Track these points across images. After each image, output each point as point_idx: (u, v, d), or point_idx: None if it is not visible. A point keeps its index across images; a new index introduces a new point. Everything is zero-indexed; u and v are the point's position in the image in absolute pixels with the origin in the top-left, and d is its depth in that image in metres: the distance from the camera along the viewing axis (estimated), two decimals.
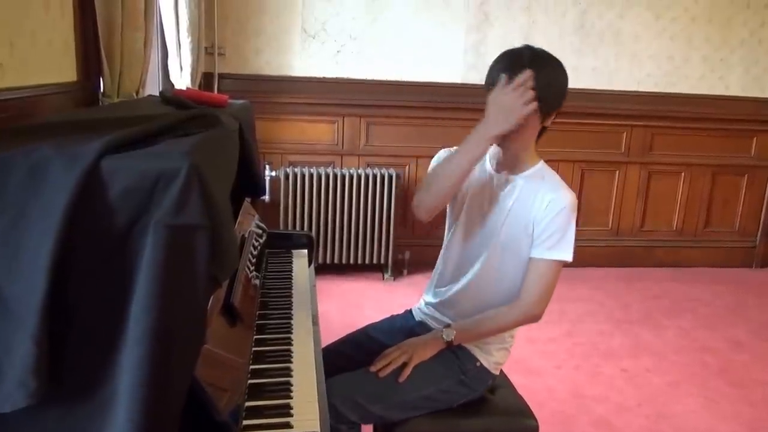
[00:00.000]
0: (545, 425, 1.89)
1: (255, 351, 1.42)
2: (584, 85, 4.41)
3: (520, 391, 1.91)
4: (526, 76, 1.55)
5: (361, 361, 1.76)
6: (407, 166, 4.36)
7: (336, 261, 4.21)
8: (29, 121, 1.35)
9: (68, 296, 0.86)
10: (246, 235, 1.68)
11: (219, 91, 3.98)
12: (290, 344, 1.48)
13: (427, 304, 1.93)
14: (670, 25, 4.49)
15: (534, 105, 1.56)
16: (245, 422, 1.16)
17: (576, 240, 1.69)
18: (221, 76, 4.07)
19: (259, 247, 1.84)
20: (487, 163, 1.79)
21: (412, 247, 4.34)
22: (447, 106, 4.25)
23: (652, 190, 4.76)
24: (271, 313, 1.65)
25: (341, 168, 4.19)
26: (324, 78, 4.22)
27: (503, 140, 1.66)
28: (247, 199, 1.87)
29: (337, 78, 4.23)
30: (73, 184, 0.84)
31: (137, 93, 2.35)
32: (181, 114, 1.24)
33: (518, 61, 1.62)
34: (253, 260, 1.71)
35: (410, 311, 2.00)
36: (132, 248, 0.86)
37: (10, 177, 0.87)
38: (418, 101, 4.27)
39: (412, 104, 4.27)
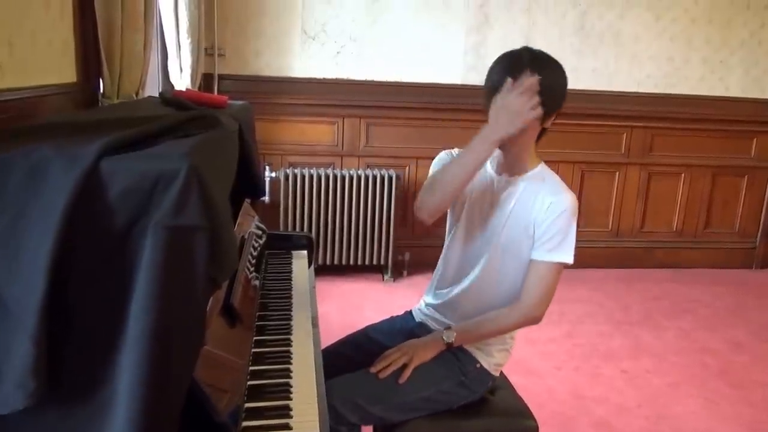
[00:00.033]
0: (545, 426, 1.89)
1: (254, 352, 1.42)
2: (584, 86, 4.41)
3: (520, 392, 1.91)
4: (532, 80, 1.55)
5: (361, 362, 1.75)
6: (407, 167, 4.36)
7: (336, 262, 4.21)
8: (29, 122, 1.35)
9: (67, 297, 0.86)
10: (246, 236, 1.68)
11: (219, 92, 3.98)
12: (290, 345, 1.48)
13: (427, 305, 1.93)
14: (670, 26, 4.49)
15: (540, 110, 1.56)
16: (245, 423, 1.15)
17: (576, 241, 1.69)
18: (221, 77, 4.07)
19: (258, 248, 1.84)
20: (488, 165, 1.78)
21: (412, 248, 4.34)
22: (447, 108, 4.25)
23: (652, 191, 4.76)
24: (270, 314, 1.65)
25: (341, 169, 4.19)
26: (324, 79, 4.22)
27: (504, 142, 1.66)
28: (247, 200, 1.87)
29: (337, 79, 4.24)
30: (73, 184, 0.84)
31: (137, 94, 2.35)
32: (180, 115, 1.24)
33: (518, 63, 1.62)
34: (253, 261, 1.71)
35: (410, 312, 2.00)
36: (131, 249, 0.86)
37: (10, 177, 0.87)
38: (418, 102, 4.27)
39: (412, 105, 4.27)
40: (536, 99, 1.55)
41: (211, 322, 1.14)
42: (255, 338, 1.48)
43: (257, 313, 1.61)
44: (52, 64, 1.85)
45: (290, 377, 1.34)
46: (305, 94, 4.19)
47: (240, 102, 1.88)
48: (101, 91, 2.16)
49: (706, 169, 4.78)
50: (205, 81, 3.96)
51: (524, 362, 3.19)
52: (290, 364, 1.40)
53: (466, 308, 1.80)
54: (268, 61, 4.16)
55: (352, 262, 4.22)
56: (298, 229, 4.08)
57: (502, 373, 1.91)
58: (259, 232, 1.91)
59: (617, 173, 4.67)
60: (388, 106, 4.26)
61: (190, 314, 0.91)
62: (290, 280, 1.91)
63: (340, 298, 3.93)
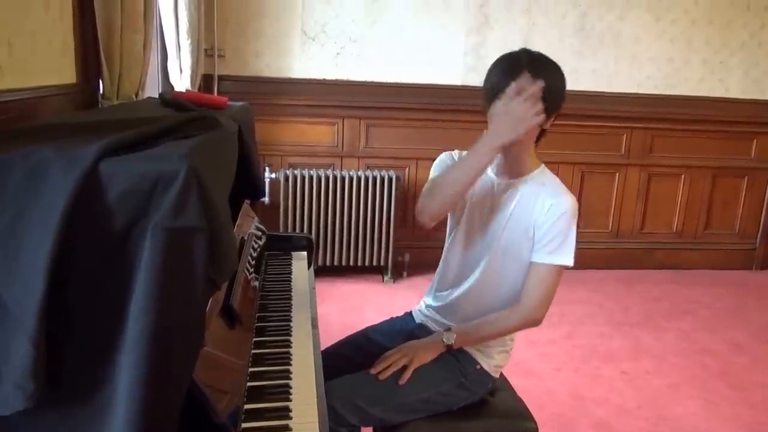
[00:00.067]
0: (545, 428, 1.89)
1: (254, 353, 1.42)
2: (584, 87, 4.41)
3: (520, 393, 1.91)
4: (536, 87, 1.55)
5: (361, 363, 1.75)
6: (407, 168, 4.36)
7: (336, 263, 4.20)
8: (29, 123, 1.35)
9: (67, 298, 0.86)
10: (245, 237, 1.68)
11: (219, 93, 3.99)
12: (289, 347, 1.48)
13: (427, 306, 1.93)
14: (670, 27, 4.49)
15: (543, 116, 1.56)
16: (244, 425, 1.15)
17: (576, 242, 1.68)
18: (221, 78, 4.07)
19: (258, 249, 1.84)
20: (488, 168, 1.78)
21: (412, 249, 4.34)
22: (447, 108, 4.25)
23: (652, 192, 4.76)
24: (270, 315, 1.64)
25: (341, 170, 4.19)
26: (324, 80, 4.22)
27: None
28: (247, 201, 1.87)
29: (336, 80, 4.24)
30: (72, 186, 0.84)
31: (137, 95, 2.35)
32: (180, 116, 1.23)
33: (516, 64, 1.63)
34: (253, 262, 1.71)
35: (410, 313, 2.00)
36: (130, 250, 0.86)
37: (9, 179, 0.87)
38: (417, 103, 4.27)
39: (411, 106, 4.27)
40: (539, 105, 1.55)
41: (210, 323, 1.13)
42: (255, 339, 1.48)
43: (257, 314, 1.61)
44: (51, 65, 1.85)
45: (290, 378, 1.34)
46: (305, 95, 4.19)
47: (240, 103, 1.88)
48: (101, 92, 2.16)
49: (706, 170, 4.78)
50: (205, 82, 3.96)
51: (524, 363, 3.18)
52: (290, 365, 1.40)
53: (466, 311, 1.80)
54: (267, 62, 4.16)
55: (352, 263, 4.22)
56: (298, 230, 4.08)
57: (502, 374, 1.91)
58: (259, 233, 1.91)
59: (617, 174, 4.67)
60: (388, 107, 4.26)
61: (190, 315, 0.90)
62: (290, 281, 1.91)
63: (340, 299, 3.93)
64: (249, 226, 1.80)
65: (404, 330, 1.92)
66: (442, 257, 1.90)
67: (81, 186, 0.85)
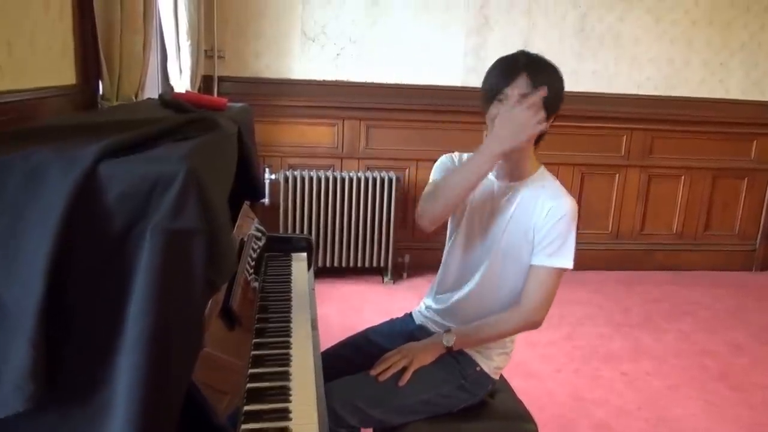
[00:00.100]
0: (545, 429, 1.89)
1: (254, 354, 1.42)
2: (584, 89, 4.41)
3: (520, 394, 1.91)
4: (538, 95, 1.55)
5: (361, 364, 1.75)
6: (407, 170, 4.36)
7: (336, 264, 4.20)
8: (28, 124, 1.35)
9: (66, 299, 0.86)
10: (245, 239, 1.68)
11: (219, 94, 3.99)
12: (289, 348, 1.48)
13: (427, 308, 1.93)
14: (671, 28, 4.49)
15: (545, 125, 1.56)
16: (244, 426, 1.15)
17: (576, 243, 1.68)
18: (221, 79, 4.07)
19: (258, 251, 1.84)
20: None
21: (412, 251, 4.34)
22: (447, 109, 4.25)
23: (652, 194, 4.75)
24: (270, 316, 1.64)
25: (341, 171, 4.19)
26: (324, 81, 4.23)
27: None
28: (247, 202, 1.87)
29: (336, 81, 4.24)
30: (71, 187, 0.84)
31: (136, 96, 2.35)
32: (179, 117, 1.23)
33: (514, 66, 1.63)
34: (253, 263, 1.71)
35: (410, 315, 2.00)
36: (129, 252, 0.86)
37: (9, 180, 0.87)
38: (418, 104, 4.27)
39: (412, 107, 4.27)
40: (541, 114, 1.55)
41: (210, 324, 1.13)
42: (254, 341, 1.48)
43: (257, 316, 1.61)
44: (51, 66, 1.84)
45: (289, 380, 1.34)
46: (305, 96, 4.19)
47: (239, 104, 1.88)
48: (100, 92, 2.16)
49: (706, 171, 4.78)
50: (205, 83, 3.96)
51: (524, 365, 3.18)
52: (289, 366, 1.39)
53: (467, 313, 1.80)
54: (267, 62, 4.17)
55: (351, 264, 4.22)
56: (297, 231, 4.08)
57: (502, 376, 1.91)
58: (259, 235, 1.91)
59: (617, 175, 4.67)
60: (388, 108, 4.26)
61: (189, 317, 0.90)
62: (290, 282, 1.91)
63: (340, 300, 3.93)
64: (249, 227, 1.80)
65: (404, 331, 1.92)
66: (443, 260, 1.90)
67: (80, 187, 0.85)
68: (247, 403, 1.22)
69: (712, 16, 4.52)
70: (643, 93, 4.56)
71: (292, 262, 2.09)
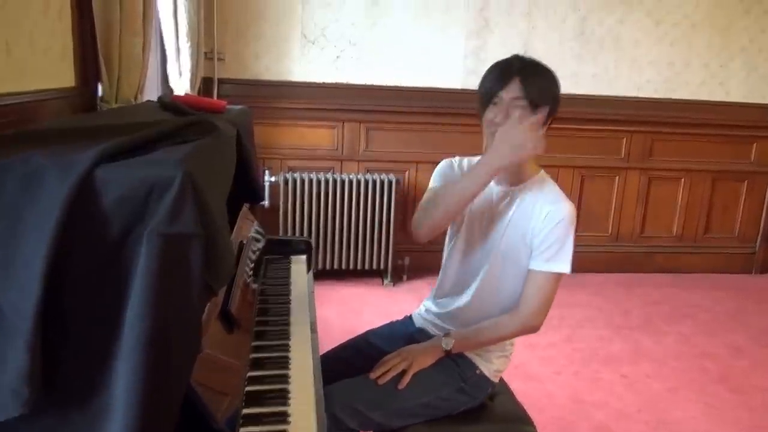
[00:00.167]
0: (545, 431, 1.88)
1: (253, 357, 1.41)
2: (584, 91, 4.40)
3: (520, 397, 1.91)
4: (538, 117, 1.58)
5: (361, 367, 1.75)
6: (407, 172, 4.36)
7: (336, 266, 4.20)
8: (27, 127, 1.35)
9: (63, 303, 0.86)
10: (244, 241, 1.68)
11: (219, 96, 3.99)
12: (288, 351, 1.48)
13: (427, 310, 1.93)
14: (671, 30, 4.49)
15: (543, 146, 1.57)
16: (242, 429, 1.15)
17: (576, 246, 1.68)
18: (221, 81, 4.07)
19: (257, 253, 1.84)
20: None
21: (412, 253, 4.33)
22: (447, 112, 4.25)
23: (652, 196, 4.75)
24: (269, 319, 1.64)
25: (341, 173, 4.19)
26: (323, 83, 4.22)
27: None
28: (246, 205, 1.87)
29: (336, 83, 4.24)
30: (68, 192, 0.84)
31: (136, 98, 2.34)
32: (178, 121, 1.23)
33: (507, 71, 1.64)
34: (252, 266, 1.71)
35: (410, 317, 2.00)
36: (126, 256, 0.86)
37: (6, 184, 0.87)
38: (417, 107, 4.27)
39: (411, 110, 4.26)
40: (540, 135, 1.57)
41: (209, 327, 1.13)
42: (253, 343, 1.47)
43: (256, 318, 1.61)
44: (50, 68, 1.84)
45: (288, 383, 1.33)
46: (305, 99, 4.19)
47: (239, 106, 1.88)
48: (100, 95, 2.16)
49: (706, 173, 4.77)
50: (205, 85, 3.96)
51: (524, 367, 3.18)
52: (288, 369, 1.39)
53: (467, 316, 1.80)
54: (267, 65, 4.16)
55: (351, 266, 4.22)
56: (297, 233, 4.08)
57: (501, 378, 1.91)
58: (258, 237, 1.91)
59: (617, 178, 4.67)
60: (388, 111, 4.25)
61: (186, 321, 0.90)
62: (289, 284, 1.91)
63: (340, 303, 3.93)
64: (248, 229, 1.80)
65: (404, 334, 1.92)
66: (442, 264, 1.90)
67: (77, 192, 0.84)
68: (246, 406, 1.22)
69: (712, 19, 4.52)
70: (643, 95, 4.56)
71: (292, 265, 2.09)
